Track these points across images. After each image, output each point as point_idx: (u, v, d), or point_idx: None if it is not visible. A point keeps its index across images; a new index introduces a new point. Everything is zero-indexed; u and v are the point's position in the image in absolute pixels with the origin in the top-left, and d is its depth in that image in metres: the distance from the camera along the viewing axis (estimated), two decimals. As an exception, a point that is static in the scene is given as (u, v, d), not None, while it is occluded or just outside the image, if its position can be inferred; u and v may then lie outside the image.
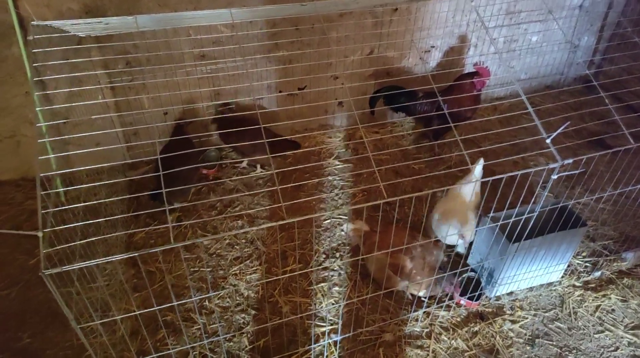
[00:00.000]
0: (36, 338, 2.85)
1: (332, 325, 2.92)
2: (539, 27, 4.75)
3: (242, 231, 3.19)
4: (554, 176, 2.26)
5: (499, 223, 2.47)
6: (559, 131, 2.19)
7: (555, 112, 4.85)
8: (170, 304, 1.96)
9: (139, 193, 3.71)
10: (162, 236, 3.41)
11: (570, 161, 2.24)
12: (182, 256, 1.82)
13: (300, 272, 3.11)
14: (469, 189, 3.13)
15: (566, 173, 2.30)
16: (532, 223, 2.55)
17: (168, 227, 3.50)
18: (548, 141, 2.23)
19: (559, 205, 2.69)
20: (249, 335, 2.85)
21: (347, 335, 2.80)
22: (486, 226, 2.49)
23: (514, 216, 2.42)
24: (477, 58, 4.51)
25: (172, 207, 3.59)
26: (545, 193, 2.39)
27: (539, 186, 3.75)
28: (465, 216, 3.07)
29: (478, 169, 3.24)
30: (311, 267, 3.24)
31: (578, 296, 3.13)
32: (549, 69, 5.05)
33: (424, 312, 2.96)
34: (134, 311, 1.91)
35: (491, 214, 2.81)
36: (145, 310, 2.03)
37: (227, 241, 3.42)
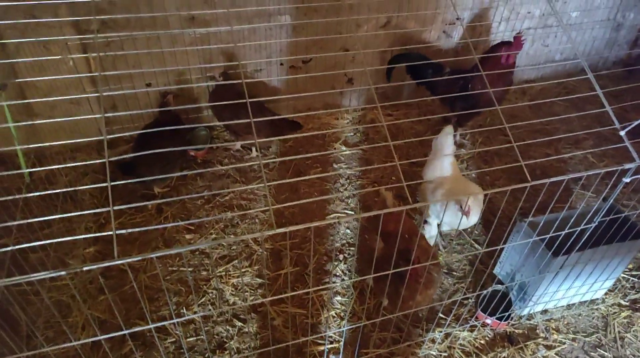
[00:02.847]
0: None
1: (332, 343, 2.45)
2: (580, 1, 4.16)
3: (214, 243, 2.71)
4: (627, 179, 1.75)
5: (547, 236, 1.95)
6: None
7: (592, 100, 4.30)
8: (121, 332, 1.48)
9: (114, 175, 3.22)
10: (138, 226, 2.93)
11: (651, 160, 1.72)
12: (129, 273, 1.34)
13: (296, 293, 2.62)
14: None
15: (640, 176, 1.78)
16: (579, 232, 2.05)
17: (147, 215, 3.04)
18: (622, 133, 1.71)
19: (623, 215, 2.19)
20: (232, 353, 2.38)
21: (349, 360, 2.33)
22: (532, 239, 1.97)
23: (568, 226, 1.91)
24: (507, 34, 3.95)
25: (149, 203, 3.11)
26: (611, 200, 1.88)
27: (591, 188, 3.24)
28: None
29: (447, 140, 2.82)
30: (309, 271, 2.76)
31: (625, 318, 2.64)
32: (587, 50, 4.47)
33: (444, 333, 2.48)
34: (73, 341, 1.43)
35: (540, 223, 2.29)
36: (88, 340, 1.55)
37: (213, 236, 2.94)
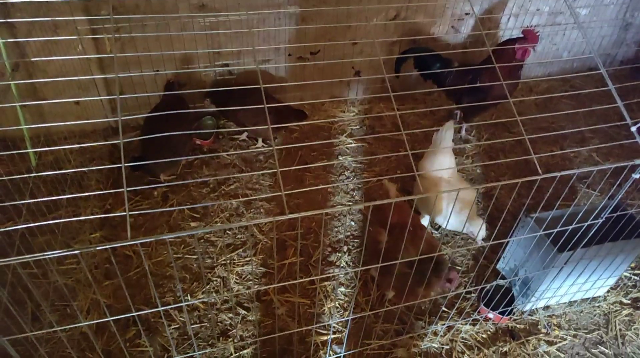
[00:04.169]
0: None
1: (335, 333, 2.46)
2: (589, -1, 4.15)
3: (226, 226, 2.72)
4: (636, 176, 1.76)
5: (553, 231, 1.96)
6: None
7: (598, 98, 4.30)
8: (128, 314, 1.50)
9: (120, 161, 3.23)
10: (145, 213, 2.94)
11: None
12: (141, 253, 1.34)
13: (302, 280, 2.63)
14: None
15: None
16: (585, 228, 2.05)
17: (152, 202, 3.05)
18: (633, 129, 1.71)
19: (629, 212, 2.20)
20: (234, 340, 2.40)
21: (351, 352, 2.35)
22: (539, 233, 1.99)
23: (575, 222, 1.92)
24: (516, 31, 3.93)
25: (156, 186, 3.11)
26: (619, 197, 1.88)
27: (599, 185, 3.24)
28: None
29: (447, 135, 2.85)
30: (313, 262, 2.77)
31: (626, 316, 2.66)
32: (595, 48, 4.46)
33: (446, 326, 2.49)
34: (80, 322, 1.44)
35: (546, 219, 2.30)
36: (96, 321, 1.57)
37: (219, 224, 2.95)
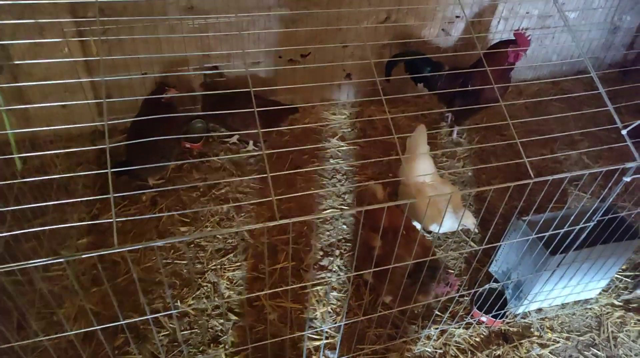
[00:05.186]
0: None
1: (328, 338, 2.43)
2: (578, 2, 4.18)
3: (217, 232, 2.69)
4: (627, 179, 1.75)
5: (545, 235, 1.95)
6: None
7: (587, 101, 4.33)
8: (116, 323, 1.46)
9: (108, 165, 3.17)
10: (132, 218, 2.89)
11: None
12: (129, 261, 1.31)
13: (294, 287, 2.60)
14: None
15: (641, 176, 1.79)
16: (576, 231, 2.05)
17: (141, 206, 3.00)
18: (624, 132, 1.71)
19: (620, 215, 2.20)
20: (226, 346, 2.36)
21: (345, 357, 2.32)
22: (531, 236, 1.98)
23: (566, 225, 1.91)
24: (506, 34, 3.95)
25: (145, 191, 3.07)
26: (610, 199, 1.88)
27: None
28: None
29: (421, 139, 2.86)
30: (305, 266, 2.74)
31: (618, 318, 2.66)
32: (584, 51, 4.49)
33: (439, 330, 2.48)
34: (67, 331, 1.40)
35: (538, 222, 2.30)
36: (83, 330, 1.52)
37: (209, 228, 2.91)
